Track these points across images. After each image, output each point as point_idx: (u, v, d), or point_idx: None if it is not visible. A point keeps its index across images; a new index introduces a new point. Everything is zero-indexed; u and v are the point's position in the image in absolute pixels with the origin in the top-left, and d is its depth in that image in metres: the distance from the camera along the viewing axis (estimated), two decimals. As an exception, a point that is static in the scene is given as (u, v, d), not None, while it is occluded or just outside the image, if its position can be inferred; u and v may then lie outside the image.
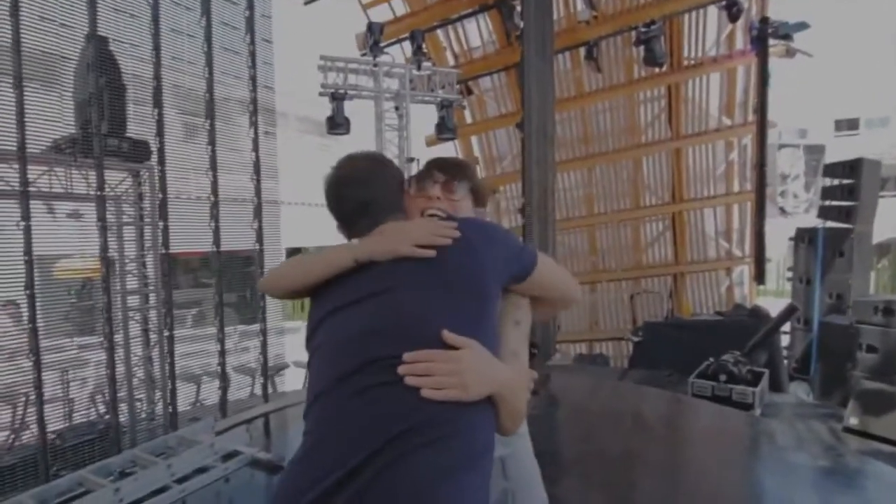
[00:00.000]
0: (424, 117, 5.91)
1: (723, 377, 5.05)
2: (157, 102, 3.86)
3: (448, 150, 8.73)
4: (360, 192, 1.10)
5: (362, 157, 1.18)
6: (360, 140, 6.17)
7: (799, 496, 3.26)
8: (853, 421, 4.47)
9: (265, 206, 4.70)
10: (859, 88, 16.91)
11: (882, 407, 4.40)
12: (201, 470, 3.13)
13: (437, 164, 1.31)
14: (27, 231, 3.05)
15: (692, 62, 7.67)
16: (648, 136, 8.27)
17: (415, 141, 5.52)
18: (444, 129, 5.46)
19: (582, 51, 7.09)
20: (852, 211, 6.02)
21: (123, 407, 3.96)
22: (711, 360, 5.34)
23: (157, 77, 3.84)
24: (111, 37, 3.61)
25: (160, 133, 3.89)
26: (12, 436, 3.59)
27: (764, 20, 6.39)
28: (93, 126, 3.45)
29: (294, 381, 5.63)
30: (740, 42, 7.68)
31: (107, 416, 3.72)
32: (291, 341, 5.30)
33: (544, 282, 1.10)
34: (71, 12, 3.35)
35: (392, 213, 1.11)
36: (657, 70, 7.31)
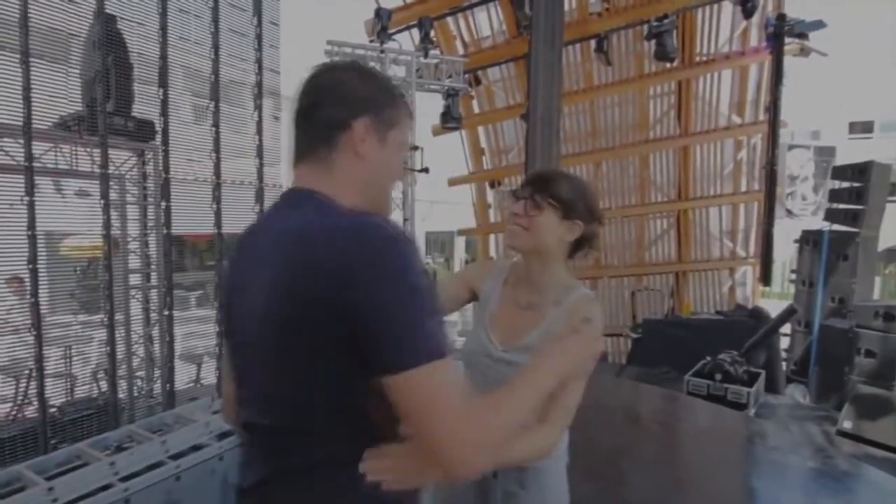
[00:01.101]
0: (431, 106, 5.89)
1: (718, 376, 5.07)
2: (163, 82, 3.86)
3: (454, 139, 8.71)
4: (303, 102, 0.83)
5: (342, 68, 0.87)
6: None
7: (787, 496, 3.28)
8: (847, 424, 4.47)
9: (267, 191, 4.72)
10: (875, 91, 16.64)
11: (876, 411, 4.41)
12: (196, 447, 3.18)
13: (527, 178, 1.24)
14: (31, 206, 3.08)
15: (704, 58, 7.57)
16: (657, 132, 8.20)
17: (422, 130, 5.51)
18: (449, 119, 5.45)
19: (592, 43, 7.02)
20: (859, 215, 5.96)
21: (123, 384, 4.03)
22: (708, 358, 5.35)
23: (164, 57, 3.84)
24: (119, 14, 3.61)
25: (164, 113, 3.90)
26: (15, 409, 3.66)
27: (781, 17, 6.29)
28: (98, 104, 3.47)
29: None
30: (754, 39, 7.57)
31: (106, 393, 3.78)
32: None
33: (417, 402, 0.69)
34: (78, -11, 3.36)
35: (316, 144, 0.82)
36: (668, 65, 7.22)
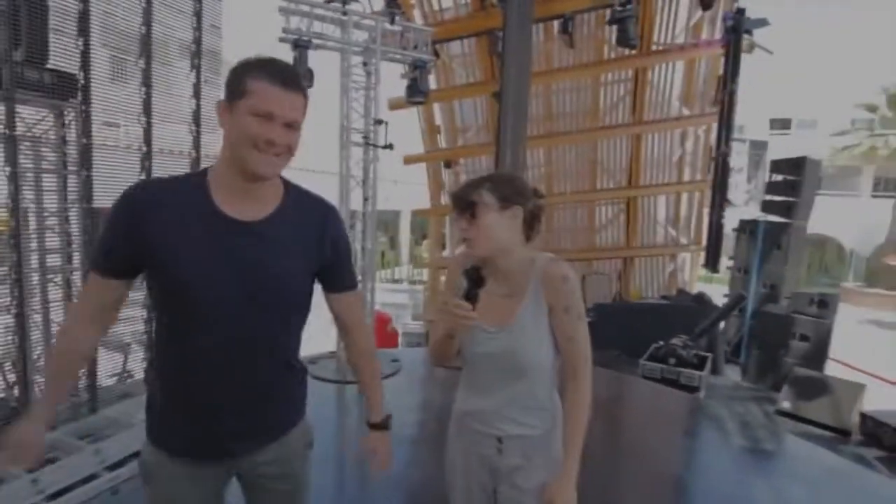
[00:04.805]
0: (390, 78, 5.52)
1: (672, 360, 5.23)
2: (83, 30, 3.27)
3: (412, 114, 8.34)
4: None
5: None
6: (323, 96, 5.67)
7: (738, 474, 3.43)
8: (786, 405, 4.77)
9: (204, 161, 4.21)
10: (792, 90, 17.96)
11: (813, 392, 4.71)
12: (136, 455, 2.78)
13: (451, 203, 1.34)
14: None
15: (660, 47, 7.67)
16: (612, 118, 8.28)
17: (383, 102, 5.14)
18: (416, 92, 5.12)
19: (556, 24, 6.87)
20: (793, 206, 6.34)
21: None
22: (661, 342, 5.51)
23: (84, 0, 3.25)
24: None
25: (85, 68, 3.32)
26: None
27: (740, 11, 6.44)
28: (2, 52, 2.87)
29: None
30: (705, 31, 7.77)
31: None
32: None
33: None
34: None
35: None
36: (626, 52, 7.24)
